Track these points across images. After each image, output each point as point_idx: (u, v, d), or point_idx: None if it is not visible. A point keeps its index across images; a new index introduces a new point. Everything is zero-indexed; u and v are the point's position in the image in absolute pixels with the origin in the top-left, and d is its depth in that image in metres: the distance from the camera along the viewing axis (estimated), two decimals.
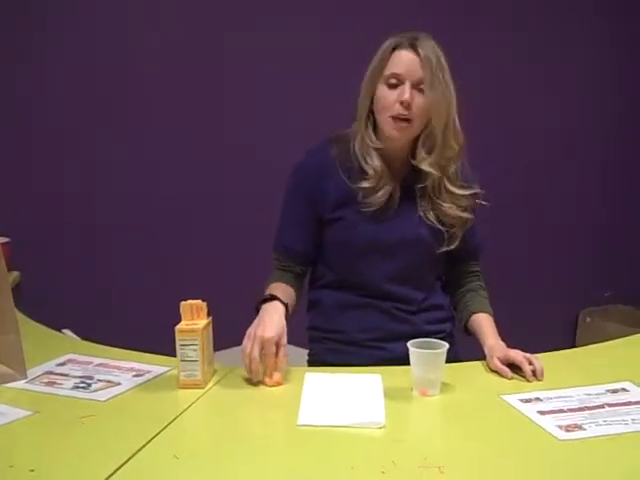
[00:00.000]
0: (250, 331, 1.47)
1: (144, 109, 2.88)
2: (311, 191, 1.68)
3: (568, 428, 1.23)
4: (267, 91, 3.03)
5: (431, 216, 1.66)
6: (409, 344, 1.43)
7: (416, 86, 1.56)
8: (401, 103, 1.56)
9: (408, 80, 1.56)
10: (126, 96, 2.85)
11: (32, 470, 1.07)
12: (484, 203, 1.69)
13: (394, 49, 1.57)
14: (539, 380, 1.47)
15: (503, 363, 1.52)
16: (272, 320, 1.48)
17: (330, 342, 1.75)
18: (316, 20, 3.09)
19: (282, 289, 1.67)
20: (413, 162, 1.64)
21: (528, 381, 1.47)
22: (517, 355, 1.51)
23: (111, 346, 1.73)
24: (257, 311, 1.54)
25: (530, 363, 1.49)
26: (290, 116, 3.01)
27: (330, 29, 3.07)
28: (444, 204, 1.65)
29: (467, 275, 1.79)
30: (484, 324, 1.67)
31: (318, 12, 3.10)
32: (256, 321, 1.50)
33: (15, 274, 2.44)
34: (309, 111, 2.89)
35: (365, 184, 1.62)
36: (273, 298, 1.55)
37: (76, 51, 2.75)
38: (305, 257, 1.76)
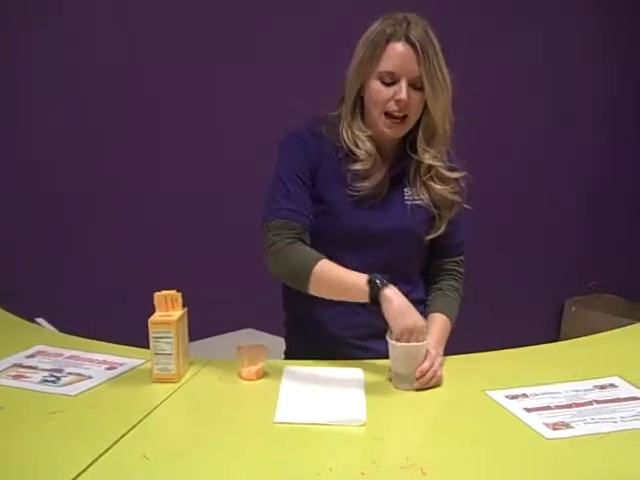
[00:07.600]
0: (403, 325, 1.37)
1: (142, 108, 2.81)
2: (309, 153, 1.57)
3: (555, 426, 1.19)
4: (265, 88, 2.95)
5: (425, 198, 1.59)
6: (388, 337, 1.38)
7: (412, 83, 1.49)
8: (397, 102, 1.49)
9: (404, 78, 1.48)
10: (125, 95, 2.78)
11: None
12: (467, 207, 1.64)
13: (387, 41, 1.49)
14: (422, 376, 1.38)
15: None
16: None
17: (310, 338, 1.65)
18: (315, 16, 3.02)
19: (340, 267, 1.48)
20: (415, 156, 1.58)
21: None
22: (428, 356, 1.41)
23: (87, 337, 1.68)
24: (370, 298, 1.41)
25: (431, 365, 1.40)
26: (291, 111, 2.94)
27: (329, 28, 2.99)
28: (436, 186, 1.59)
29: (443, 272, 1.70)
30: (433, 325, 1.57)
31: (318, 10, 3.04)
32: (397, 310, 1.38)
33: None
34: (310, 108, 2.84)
35: (357, 166, 1.55)
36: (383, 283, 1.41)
37: (73, 48, 2.68)
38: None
